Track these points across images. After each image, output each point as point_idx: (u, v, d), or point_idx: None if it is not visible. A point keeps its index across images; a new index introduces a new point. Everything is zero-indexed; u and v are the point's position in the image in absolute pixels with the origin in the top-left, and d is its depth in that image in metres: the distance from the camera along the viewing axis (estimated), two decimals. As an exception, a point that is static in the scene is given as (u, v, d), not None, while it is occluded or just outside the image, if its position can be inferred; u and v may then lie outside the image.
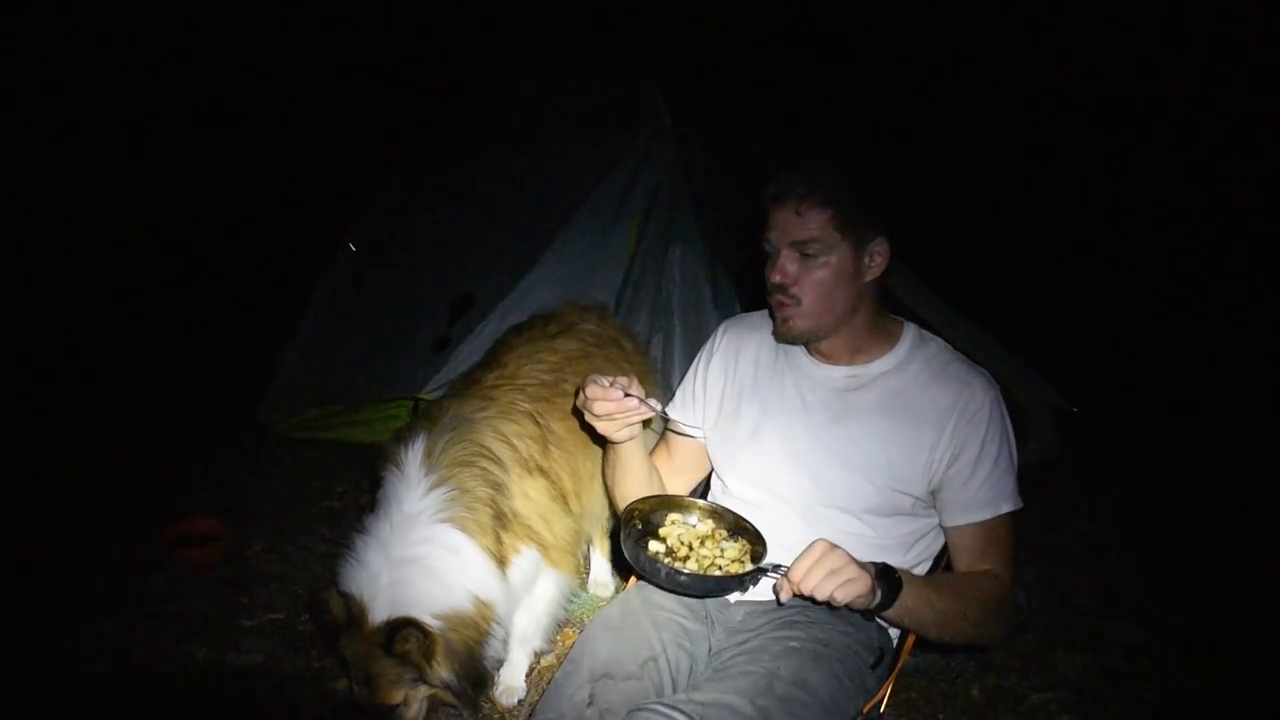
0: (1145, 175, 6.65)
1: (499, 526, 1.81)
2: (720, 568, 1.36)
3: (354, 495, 3.12)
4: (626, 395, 1.38)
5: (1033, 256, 5.98)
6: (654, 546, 1.42)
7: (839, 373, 1.56)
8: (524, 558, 1.87)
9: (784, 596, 1.28)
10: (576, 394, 1.46)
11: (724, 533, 1.46)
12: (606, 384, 1.39)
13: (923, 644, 1.58)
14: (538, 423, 1.96)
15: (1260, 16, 6.28)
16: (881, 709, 1.52)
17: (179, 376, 4.18)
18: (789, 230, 1.46)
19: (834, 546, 1.23)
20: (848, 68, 7.66)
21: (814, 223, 1.44)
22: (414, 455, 1.80)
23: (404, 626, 1.60)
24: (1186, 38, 6.80)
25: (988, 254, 5.82)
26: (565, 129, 3.44)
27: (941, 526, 1.54)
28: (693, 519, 1.49)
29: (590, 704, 1.36)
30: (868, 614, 1.30)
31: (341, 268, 3.69)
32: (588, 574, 2.64)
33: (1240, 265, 5.65)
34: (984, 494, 1.47)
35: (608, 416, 1.41)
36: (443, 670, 1.67)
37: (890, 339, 1.58)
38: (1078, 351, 4.49)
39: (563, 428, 2.02)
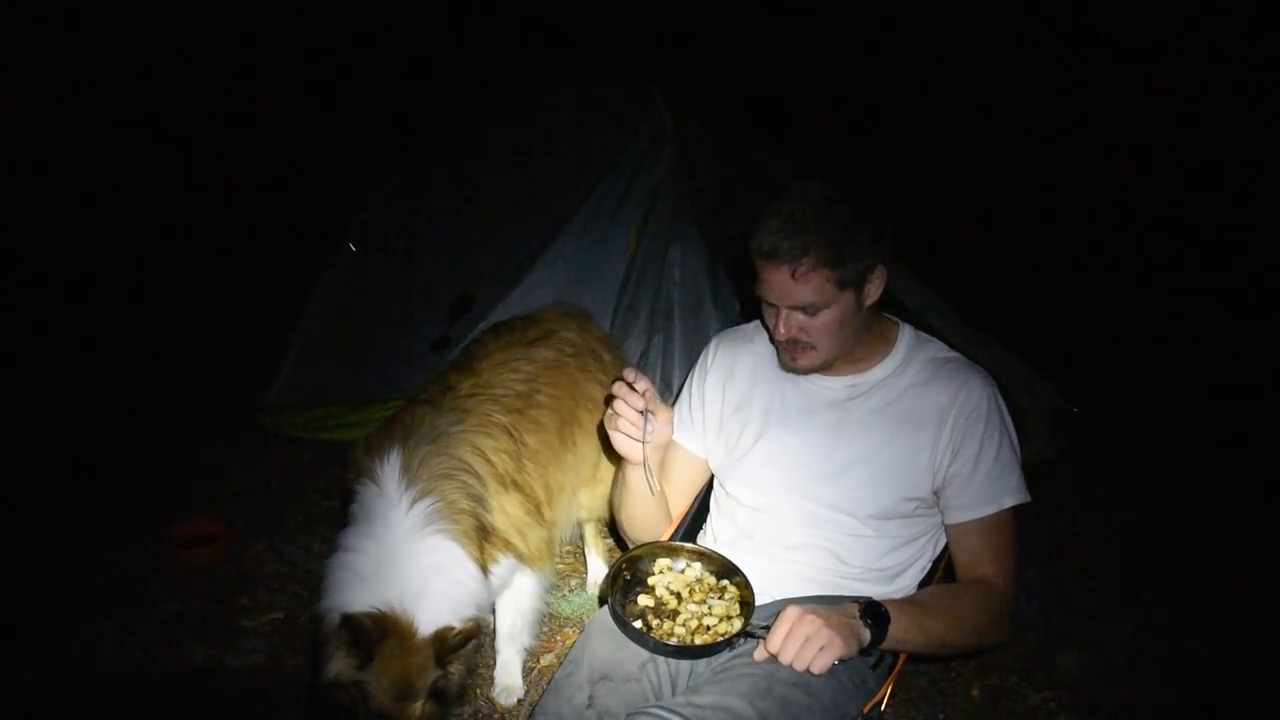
0: (1146, 173, 6.65)
1: (482, 538, 1.81)
2: (707, 627, 1.37)
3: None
4: (645, 413, 1.42)
5: (1033, 255, 5.97)
6: (643, 601, 1.43)
7: (839, 383, 1.57)
8: (502, 566, 1.88)
9: (759, 657, 1.30)
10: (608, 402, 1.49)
11: (712, 580, 1.46)
12: (639, 389, 1.42)
13: None
14: (512, 436, 1.95)
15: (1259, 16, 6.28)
16: (882, 709, 1.52)
17: (179, 376, 4.17)
18: (787, 294, 1.44)
19: (805, 612, 1.23)
20: (847, 63, 7.65)
21: (813, 285, 1.42)
22: (391, 469, 1.76)
23: (472, 636, 1.61)
24: (1188, 31, 6.80)
25: (987, 253, 5.82)
26: (565, 129, 3.44)
27: (944, 524, 1.55)
28: (680, 564, 1.50)
29: (589, 705, 1.36)
30: (863, 653, 1.31)
31: (341, 267, 3.69)
32: (587, 574, 2.64)
33: (1243, 264, 5.65)
34: (986, 489, 1.48)
35: (615, 419, 1.44)
36: (459, 675, 1.68)
37: (886, 342, 1.59)
38: (1078, 351, 4.49)
39: (535, 440, 2.01)
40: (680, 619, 1.39)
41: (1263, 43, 6.34)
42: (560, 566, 2.71)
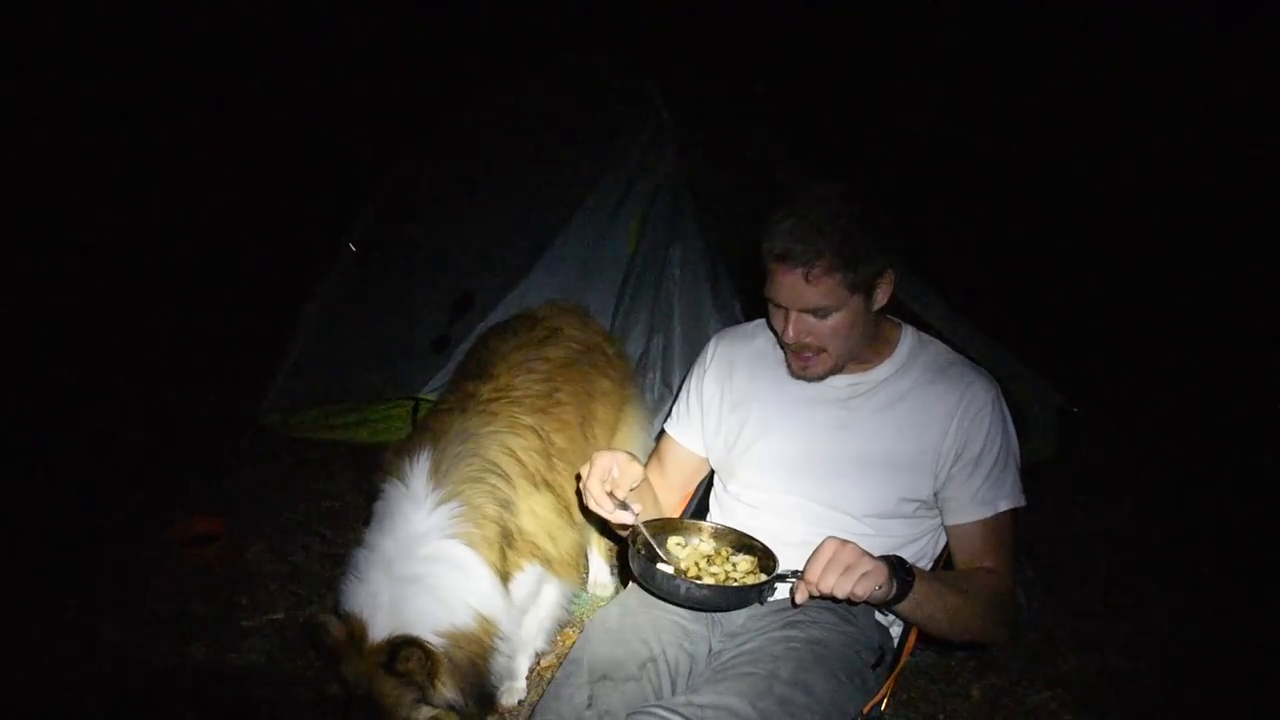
0: (1145, 173, 6.65)
1: (505, 544, 1.79)
2: (735, 581, 1.36)
3: (354, 495, 3.12)
4: (624, 506, 1.38)
5: (1033, 255, 5.98)
6: (663, 569, 1.41)
7: (841, 381, 1.57)
8: (527, 574, 1.86)
9: (800, 599, 1.28)
10: (577, 479, 1.46)
11: (729, 549, 1.46)
12: (606, 488, 1.38)
13: (924, 640, 1.59)
14: (540, 436, 1.95)
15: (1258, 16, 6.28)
16: (882, 709, 1.52)
17: (179, 376, 4.17)
18: (798, 297, 1.43)
19: (844, 542, 1.23)
20: (848, 62, 7.66)
21: (824, 288, 1.41)
22: (419, 470, 1.77)
23: (405, 645, 1.57)
24: (1185, 31, 6.80)
25: (987, 252, 5.82)
26: (565, 129, 3.44)
27: (943, 525, 1.55)
28: (695, 540, 1.49)
29: (589, 706, 1.36)
30: (884, 607, 1.31)
31: (341, 268, 3.69)
32: (587, 574, 2.64)
33: (1243, 263, 5.65)
34: (985, 492, 1.48)
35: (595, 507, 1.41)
36: (447, 690, 1.64)
37: (889, 343, 1.59)
38: (1078, 351, 4.49)
39: (562, 439, 2.01)
40: (706, 578, 1.38)
41: (1262, 40, 6.34)
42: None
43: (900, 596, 1.29)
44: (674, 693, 1.43)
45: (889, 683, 1.53)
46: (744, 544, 1.46)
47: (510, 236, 3.30)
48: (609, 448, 2.18)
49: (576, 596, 2.24)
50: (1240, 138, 6.47)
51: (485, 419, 1.91)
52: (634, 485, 1.41)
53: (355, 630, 1.61)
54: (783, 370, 1.61)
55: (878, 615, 1.57)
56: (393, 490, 1.78)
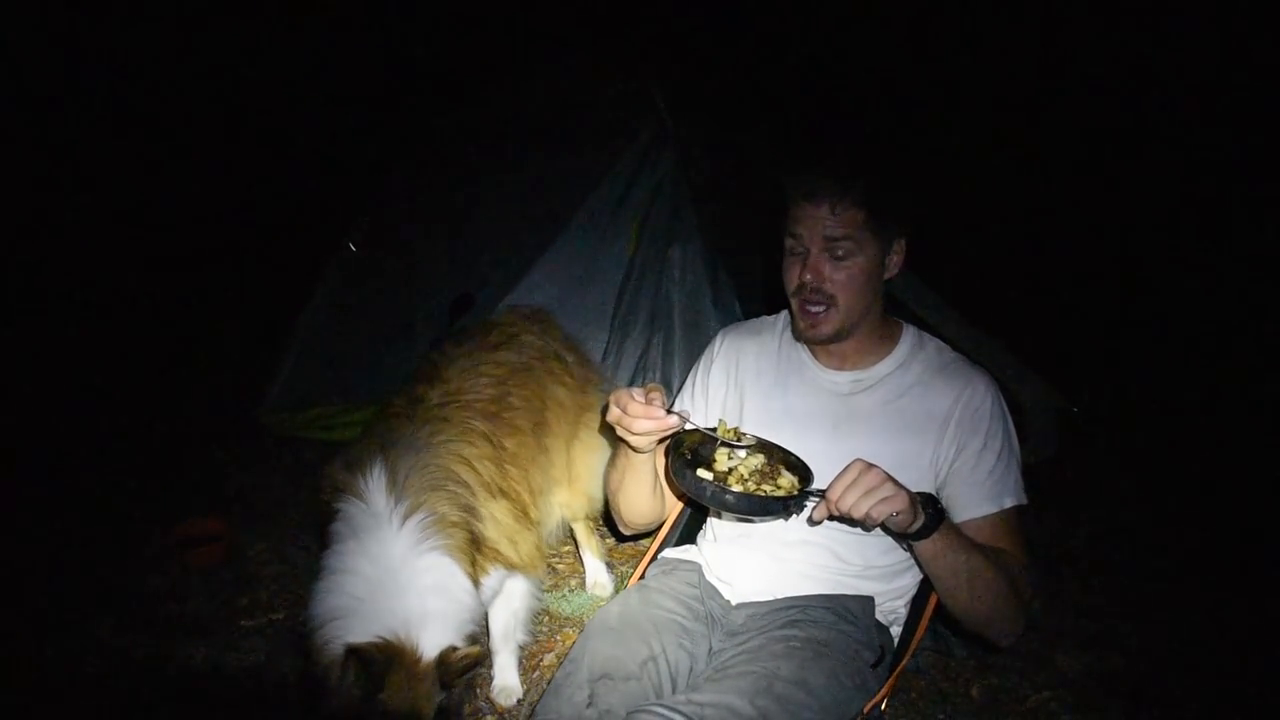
0: (1145, 173, 6.65)
1: (473, 549, 1.77)
2: (767, 491, 1.36)
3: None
4: (669, 412, 1.38)
5: (1033, 255, 5.98)
6: (703, 474, 1.40)
7: (843, 377, 1.58)
8: (492, 579, 1.85)
9: (818, 516, 1.30)
10: (605, 409, 1.43)
11: (779, 466, 1.44)
12: (643, 400, 1.38)
13: (934, 623, 1.58)
14: (492, 442, 1.92)
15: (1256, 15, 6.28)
16: (882, 709, 1.52)
17: (179, 376, 4.17)
18: (822, 228, 1.47)
19: (870, 466, 1.25)
20: (848, 61, 7.66)
21: (849, 222, 1.46)
22: (376, 484, 1.70)
23: (479, 660, 1.54)
24: (1183, 31, 6.80)
25: (988, 252, 5.82)
26: (565, 129, 3.44)
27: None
28: (742, 453, 1.47)
29: (590, 705, 1.36)
30: (908, 540, 1.33)
31: (341, 268, 3.69)
32: (585, 574, 2.64)
33: (1242, 264, 5.65)
34: (991, 488, 1.49)
35: (646, 433, 1.40)
36: (459, 693, 1.65)
37: (891, 340, 1.60)
38: (1078, 351, 4.49)
39: (514, 443, 1.99)
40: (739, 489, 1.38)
41: (1262, 42, 6.34)
42: (560, 566, 2.71)
43: (926, 531, 1.29)
44: (674, 691, 1.43)
45: (889, 683, 1.53)
46: (789, 462, 1.45)
47: (510, 237, 3.31)
48: (568, 455, 2.21)
49: (563, 592, 2.24)
50: (1240, 137, 6.47)
51: (437, 426, 1.86)
52: (659, 393, 1.42)
53: (406, 652, 1.54)
54: (787, 366, 1.62)
55: (878, 615, 1.57)
56: (353, 509, 1.70)
